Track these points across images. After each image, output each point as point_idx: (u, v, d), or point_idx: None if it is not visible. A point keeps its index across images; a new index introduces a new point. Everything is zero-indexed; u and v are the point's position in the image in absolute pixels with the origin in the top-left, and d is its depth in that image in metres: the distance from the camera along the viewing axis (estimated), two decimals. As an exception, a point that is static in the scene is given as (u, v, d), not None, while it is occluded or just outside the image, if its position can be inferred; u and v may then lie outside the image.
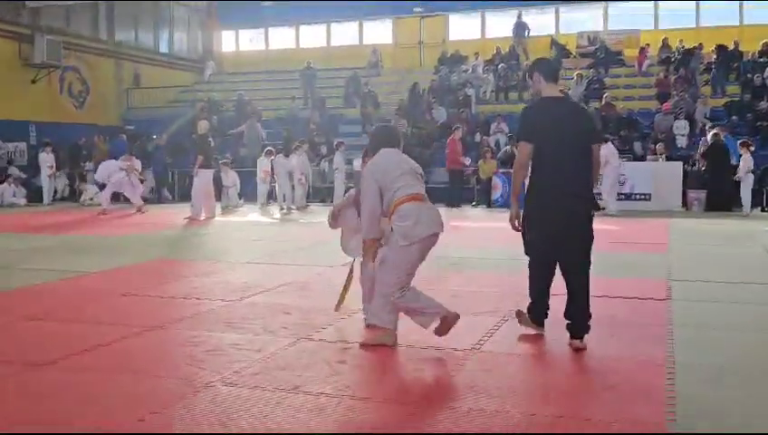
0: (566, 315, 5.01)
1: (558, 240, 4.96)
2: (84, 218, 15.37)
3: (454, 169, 17.88)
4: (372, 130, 5.24)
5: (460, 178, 18.15)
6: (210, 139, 15.95)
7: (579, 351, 4.89)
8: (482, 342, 5.08)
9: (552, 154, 4.86)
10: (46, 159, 19.67)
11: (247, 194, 19.13)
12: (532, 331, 5.31)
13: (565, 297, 5.10)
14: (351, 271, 5.87)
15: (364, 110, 22.26)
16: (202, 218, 14.63)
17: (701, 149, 16.81)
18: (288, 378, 4.28)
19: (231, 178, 18.64)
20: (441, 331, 4.92)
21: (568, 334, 4.97)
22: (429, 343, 5.07)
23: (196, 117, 24.17)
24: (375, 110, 22.42)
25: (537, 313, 5.26)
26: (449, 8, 27.74)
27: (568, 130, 4.91)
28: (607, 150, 15.63)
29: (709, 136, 16.49)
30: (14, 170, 20.56)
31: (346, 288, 5.91)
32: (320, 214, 16.22)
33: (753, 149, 15.64)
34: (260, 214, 16.64)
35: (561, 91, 5.34)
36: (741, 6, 25.03)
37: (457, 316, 4.93)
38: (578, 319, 4.95)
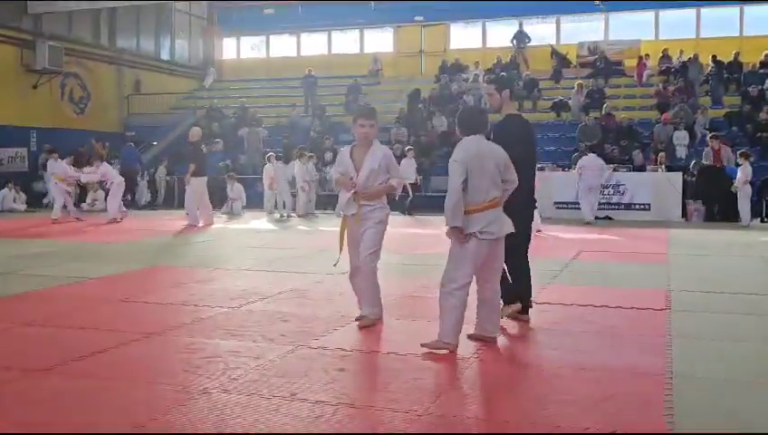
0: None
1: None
2: (84, 225, 15.37)
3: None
4: (461, 115, 5.35)
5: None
6: (203, 146, 16.04)
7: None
8: (480, 350, 5.07)
9: (524, 164, 5.58)
10: (54, 166, 19.60)
11: (248, 201, 19.11)
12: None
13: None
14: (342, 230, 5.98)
15: None
16: (200, 225, 14.63)
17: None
18: (286, 385, 4.27)
19: (236, 191, 18.68)
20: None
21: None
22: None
23: (196, 123, 24.28)
24: None
25: (526, 301, 5.93)
26: (450, 17, 27.82)
27: (532, 143, 6.05)
28: (583, 160, 15.71)
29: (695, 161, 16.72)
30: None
31: (342, 243, 5.99)
32: (321, 222, 16.21)
33: (752, 159, 15.67)
34: (266, 220, 16.64)
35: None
36: (741, 15, 25.12)
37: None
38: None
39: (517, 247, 5.62)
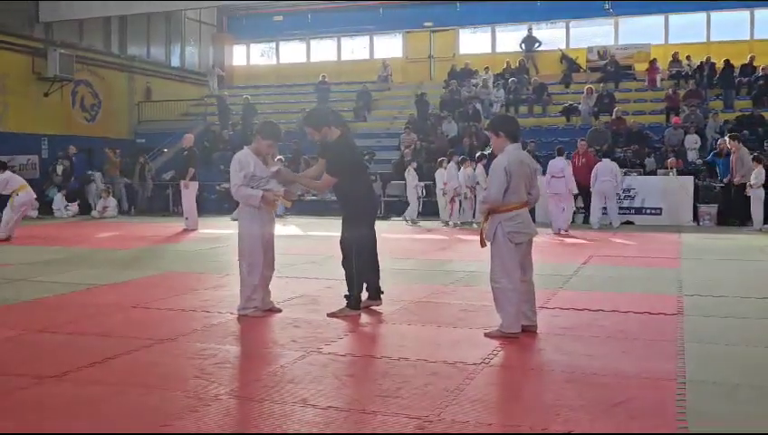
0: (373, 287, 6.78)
1: None
2: (94, 231, 15.45)
3: None
4: (504, 123, 5.84)
5: None
6: (195, 151, 16.37)
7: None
8: (491, 356, 5.07)
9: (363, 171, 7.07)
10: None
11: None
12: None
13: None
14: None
15: None
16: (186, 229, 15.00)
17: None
18: (297, 391, 4.28)
19: None
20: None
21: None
22: (439, 356, 5.06)
23: (206, 130, 24.35)
24: None
25: (365, 290, 6.62)
26: (459, 22, 27.82)
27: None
28: (597, 166, 15.38)
29: None
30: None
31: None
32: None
33: (765, 163, 15.55)
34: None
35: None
36: (752, 19, 25.01)
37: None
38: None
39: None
